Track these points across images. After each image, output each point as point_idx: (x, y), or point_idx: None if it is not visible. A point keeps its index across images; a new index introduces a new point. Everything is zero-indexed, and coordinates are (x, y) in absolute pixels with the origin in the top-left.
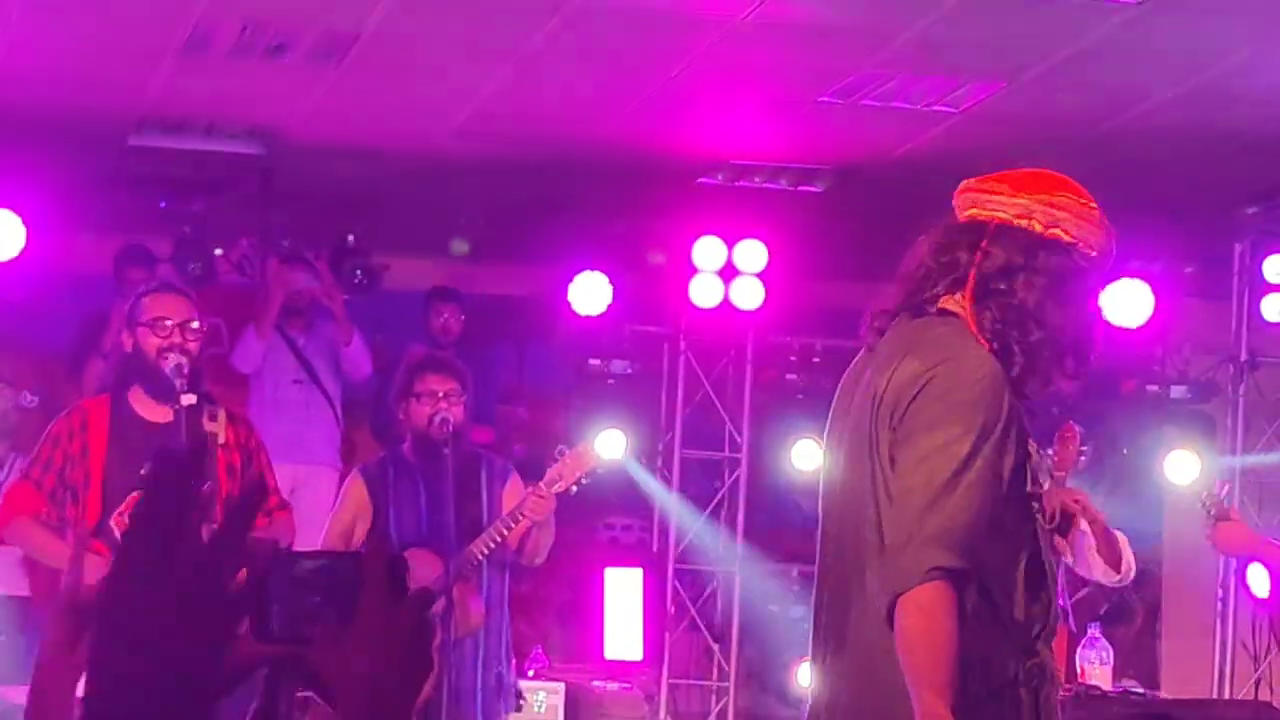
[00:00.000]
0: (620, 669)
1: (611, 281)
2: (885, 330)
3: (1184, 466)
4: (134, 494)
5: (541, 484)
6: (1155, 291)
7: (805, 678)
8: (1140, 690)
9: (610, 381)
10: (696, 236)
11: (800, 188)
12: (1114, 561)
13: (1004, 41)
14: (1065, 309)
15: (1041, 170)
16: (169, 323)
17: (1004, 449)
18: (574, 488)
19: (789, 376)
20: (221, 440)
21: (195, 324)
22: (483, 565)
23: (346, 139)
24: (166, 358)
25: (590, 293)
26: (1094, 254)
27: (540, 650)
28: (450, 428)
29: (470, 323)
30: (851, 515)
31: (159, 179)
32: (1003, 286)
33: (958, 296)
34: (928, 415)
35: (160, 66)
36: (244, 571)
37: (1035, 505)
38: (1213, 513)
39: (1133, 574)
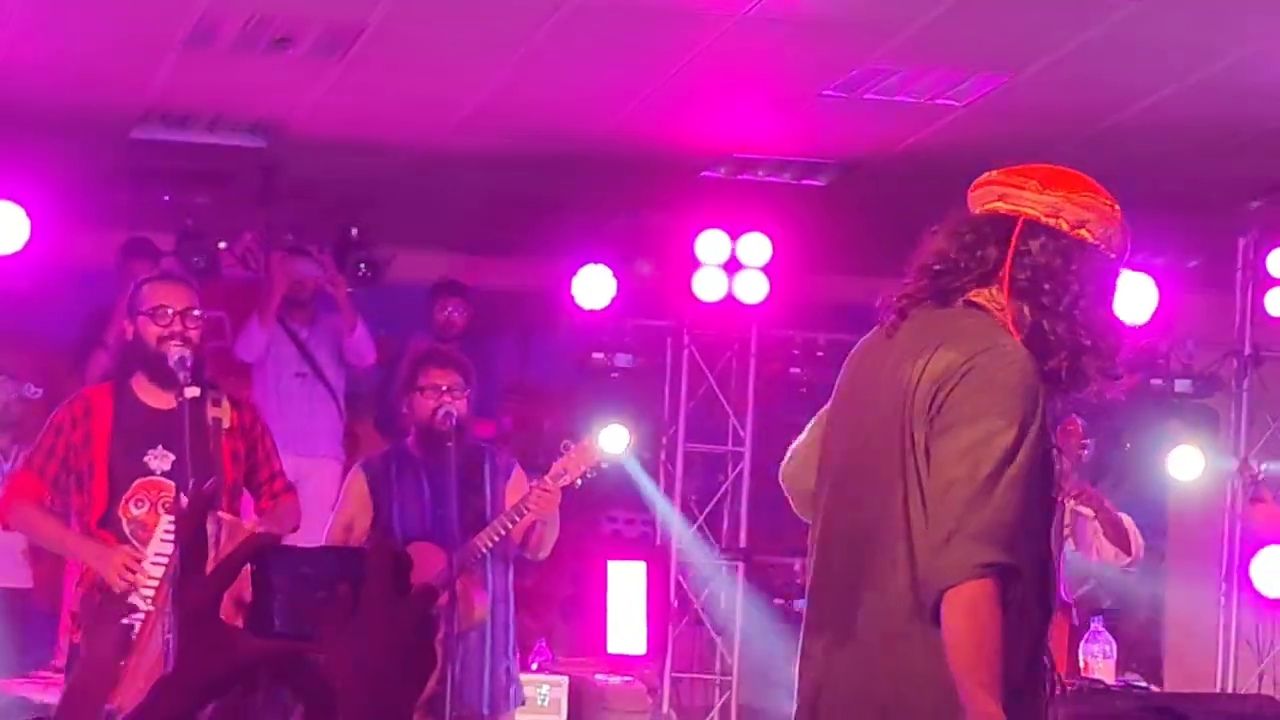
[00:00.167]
0: (623, 663)
1: (615, 275)
2: (907, 315)
3: (1188, 462)
4: (139, 481)
5: (546, 478)
6: (1159, 285)
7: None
8: (1143, 684)
9: (614, 375)
10: (700, 230)
11: (804, 182)
12: (1123, 544)
13: (1008, 36)
14: (1098, 309)
15: (1063, 167)
16: (169, 311)
17: (1038, 444)
18: (578, 482)
19: (793, 370)
20: (226, 425)
21: (196, 312)
22: (486, 559)
23: (350, 133)
24: (169, 348)
25: (594, 287)
26: (1113, 255)
27: (544, 644)
28: (454, 421)
29: (474, 317)
30: (873, 502)
31: (163, 173)
32: (1046, 286)
33: (988, 291)
34: (970, 406)
35: (164, 60)
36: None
37: (1054, 503)
38: (1249, 493)
39: (1142, 555)
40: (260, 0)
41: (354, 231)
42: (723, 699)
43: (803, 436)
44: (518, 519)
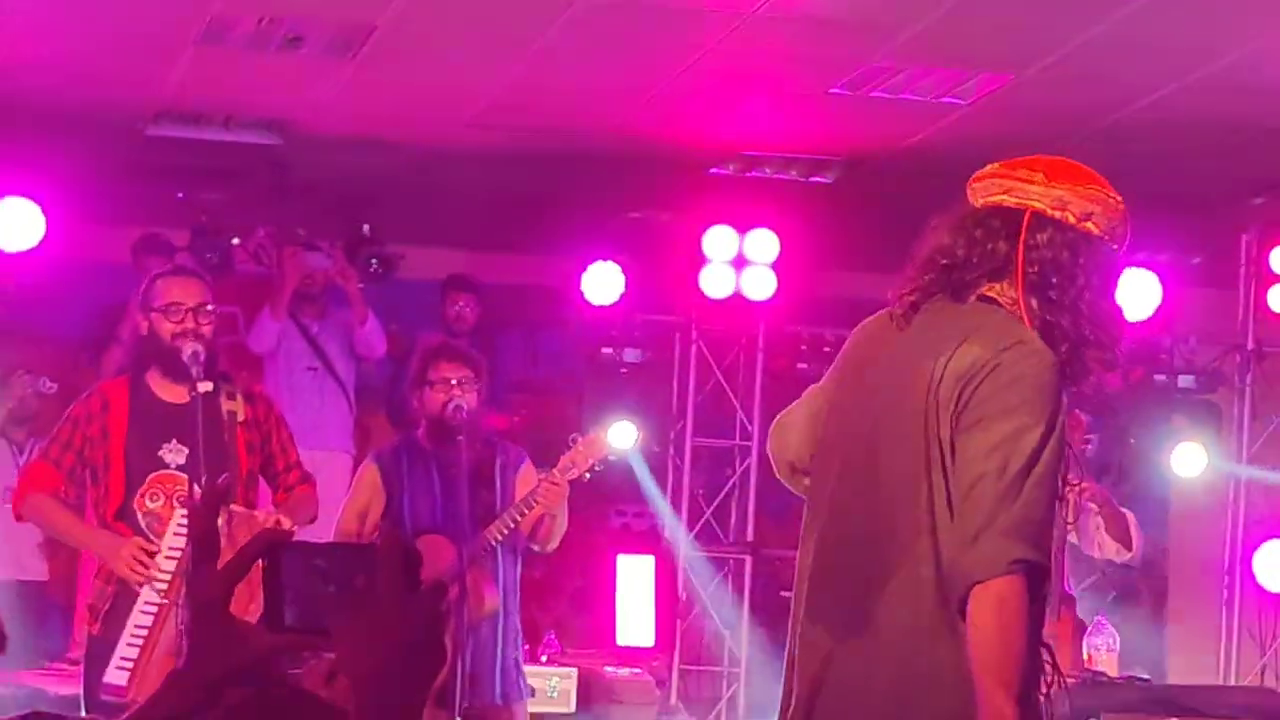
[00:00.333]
0: (632, 655)
1: (624, 271)
2: (918, 308)
3: (1191, 459)
4: (154, 475)
5: (555, 471)
6: (1163, 282)
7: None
8: (1147, 676)
9: (622, 370)
10: (708, 227)
11: (811, 179)
12: (1124, 539)
13: (1011, 35)
14: (1102, 301)
15: (1067, 159)
16: (183, 307)
17: (1061, 441)
18: (586, 475)
19: (800, 366)
20: (241, 418)
21: (209, 307)
22: (497, 551)
23: (361, 131)
24: (182, 344)
25: (602, 283)
26: (1116, 247)
27: (553, 636)
28: (464, 414)
29: (484, 312)
30: (891, 495)
31: (177, 169)
32: (1054, 279)
33: (1000, 285)
34: (998, 402)
35: (178, 59)
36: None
37: (1063, 499)
38: None
39: (1142, 550)
40: (272, 0)
41: (365, 228)
42: (730, 691)
43: (798, 409)
44: (527, 511)
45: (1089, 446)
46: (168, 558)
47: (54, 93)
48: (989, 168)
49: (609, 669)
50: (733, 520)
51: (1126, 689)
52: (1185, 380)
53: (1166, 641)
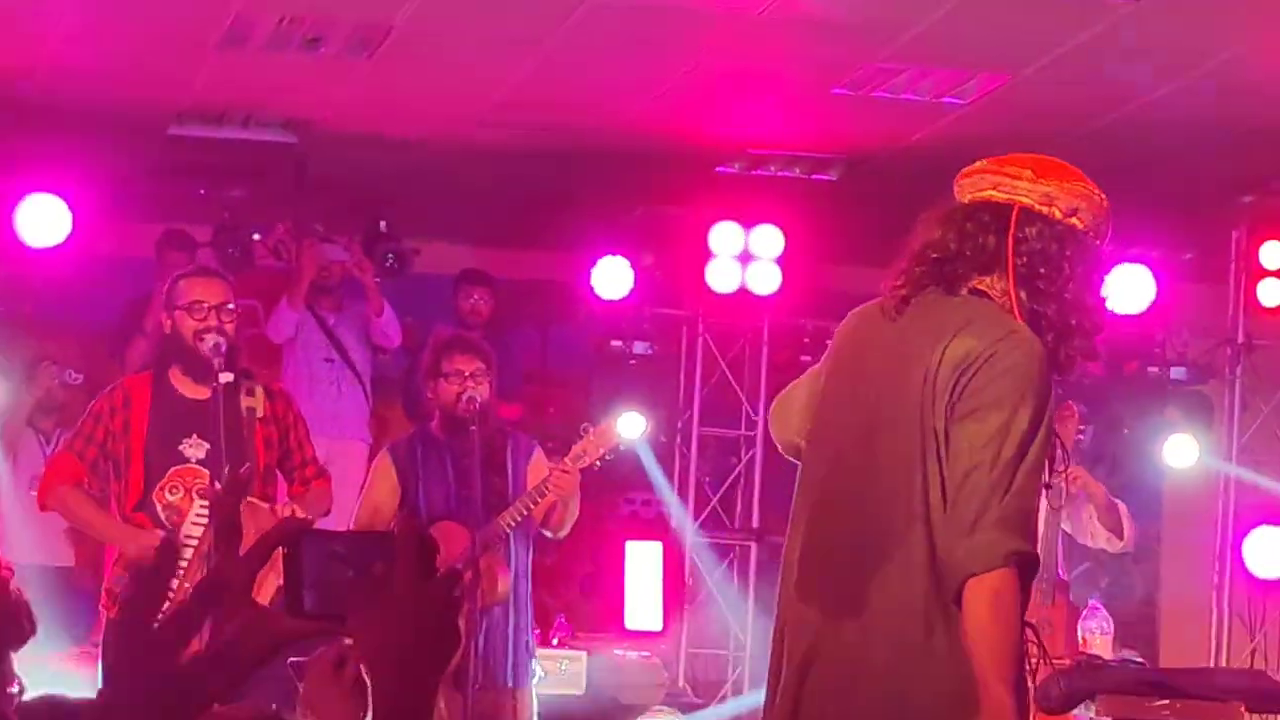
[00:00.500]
0: (640, 638)
1: (633, 266)
2: (910, 300)
3: (1183, 451)
4: (174, 469)
5: (566, 460)
6: (1156, 277)
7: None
8: (1139, 659)
9: (631, 362)
10: (714, 223)
11: (814, 176)
12: (1116, 529)
13: (1009, 36)
14: (1088, 293)
15: (1051, 157)
16: (205, 306)
17: (1049, 430)
18: (597, 463)
19: (803, 358)
20: (260, 414)
21: (230, 305)
22: (509, 537)
23: (378, 129)
24: (203, 339)
25: (612, 277)
26: (1100, 242)
27: (563, 620)
28: (477, 405)
29: (497, 306)
30: (885, 482)
31: (199, 167)
32: (1042, 271)
33: (989, 278)
34: (992, 392)
35: (200, 60)
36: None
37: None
38: None
39: (1134, 540)
40: (292, 2)
41: (382, 224)
42: (735, 673)
43: (799, 390)
44: (539, 499)
45: (1083, 437)
46: (185, 545)
47: (81, 94)
48: (976, 164)
49: (618, 652)
50: (738, 508)
51: (1120, 671)
52: (1177, 372)
53: (1159, 625)
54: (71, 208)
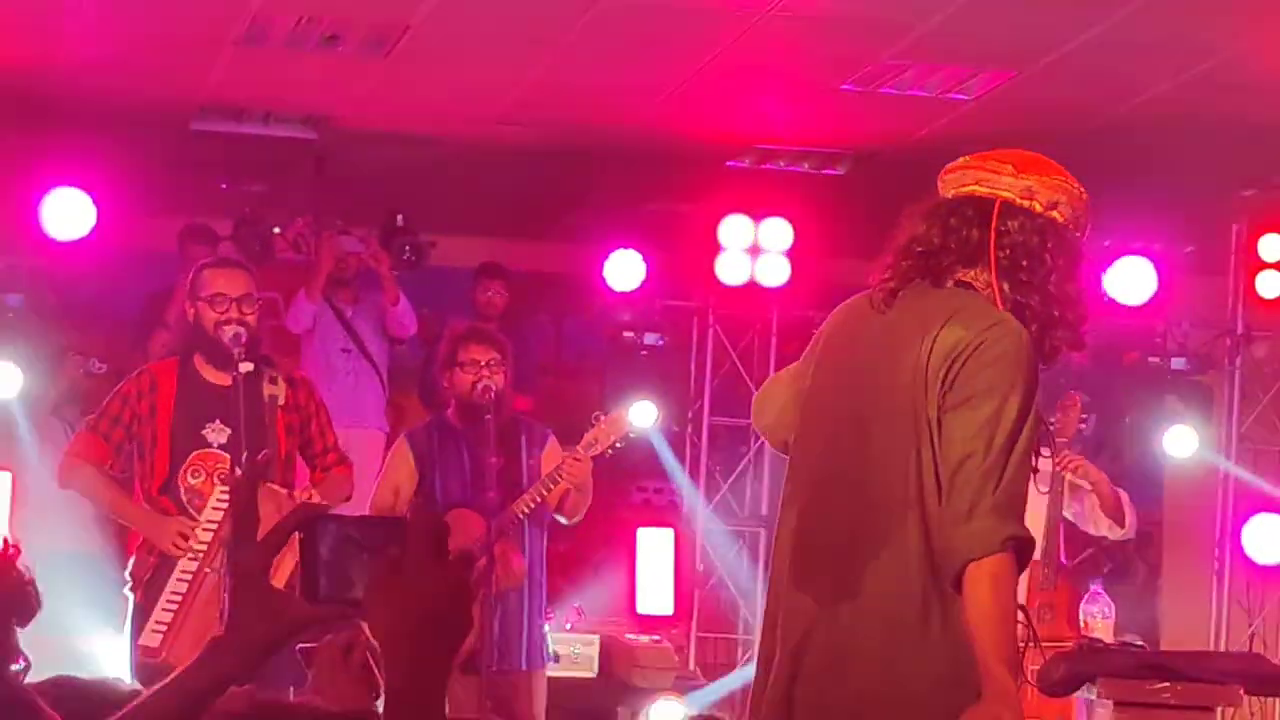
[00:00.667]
0: (652, 623)
1: (645, 259)
2: (897, 293)
3: (1183, 441)
4: (197, 453)
5: (579, 448)
6: (1157, 269)
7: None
8: (1140, 643)
9: (643, 353)
10: (724, 216)
11: (823, 171)
12: (1118, 517)
13: (1015, 34)
14: (1069, 284)
15: (1032, 152)
16: (227, 297)
17: (1036, 417)
18: (609, 451)
19: None
20: (282, 402)
21: (253, 297)
22: (524, 524)
23: (396, 125)
24: (224, 330)
25: (624, 270)
26: (1079, 234)
27: (576, 605)
28: (492, 395)
29: (512, 298)
30: (879, 470)
31: (220, 162)
32: (1024, 263)
33: (974, 271)
34: (983, 380)
35: (221, 58)
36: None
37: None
38: None
39: (1135, 528)
40: (310, 1)
41: (399, 218)
42: (745, 657)
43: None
44: (553, 486)
45: (1085, 426)
46: (205, 529)
47: (104, 91)
48: (959, 160)
49: (630, 636)
50: (748, 495)
51: (1122, 654)
52: (1178, 363)
53: (1160, 610)
54: (95, 202)
